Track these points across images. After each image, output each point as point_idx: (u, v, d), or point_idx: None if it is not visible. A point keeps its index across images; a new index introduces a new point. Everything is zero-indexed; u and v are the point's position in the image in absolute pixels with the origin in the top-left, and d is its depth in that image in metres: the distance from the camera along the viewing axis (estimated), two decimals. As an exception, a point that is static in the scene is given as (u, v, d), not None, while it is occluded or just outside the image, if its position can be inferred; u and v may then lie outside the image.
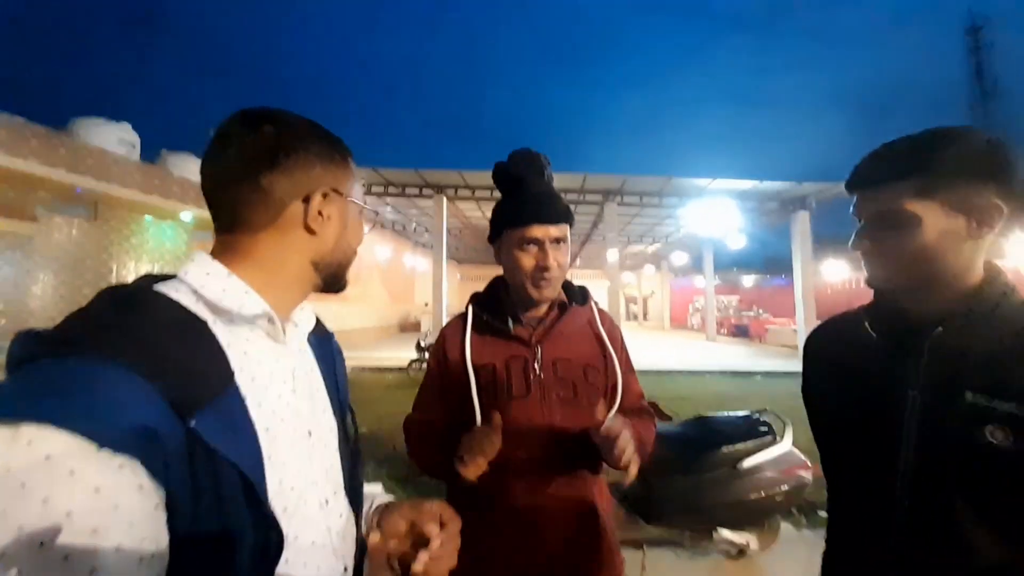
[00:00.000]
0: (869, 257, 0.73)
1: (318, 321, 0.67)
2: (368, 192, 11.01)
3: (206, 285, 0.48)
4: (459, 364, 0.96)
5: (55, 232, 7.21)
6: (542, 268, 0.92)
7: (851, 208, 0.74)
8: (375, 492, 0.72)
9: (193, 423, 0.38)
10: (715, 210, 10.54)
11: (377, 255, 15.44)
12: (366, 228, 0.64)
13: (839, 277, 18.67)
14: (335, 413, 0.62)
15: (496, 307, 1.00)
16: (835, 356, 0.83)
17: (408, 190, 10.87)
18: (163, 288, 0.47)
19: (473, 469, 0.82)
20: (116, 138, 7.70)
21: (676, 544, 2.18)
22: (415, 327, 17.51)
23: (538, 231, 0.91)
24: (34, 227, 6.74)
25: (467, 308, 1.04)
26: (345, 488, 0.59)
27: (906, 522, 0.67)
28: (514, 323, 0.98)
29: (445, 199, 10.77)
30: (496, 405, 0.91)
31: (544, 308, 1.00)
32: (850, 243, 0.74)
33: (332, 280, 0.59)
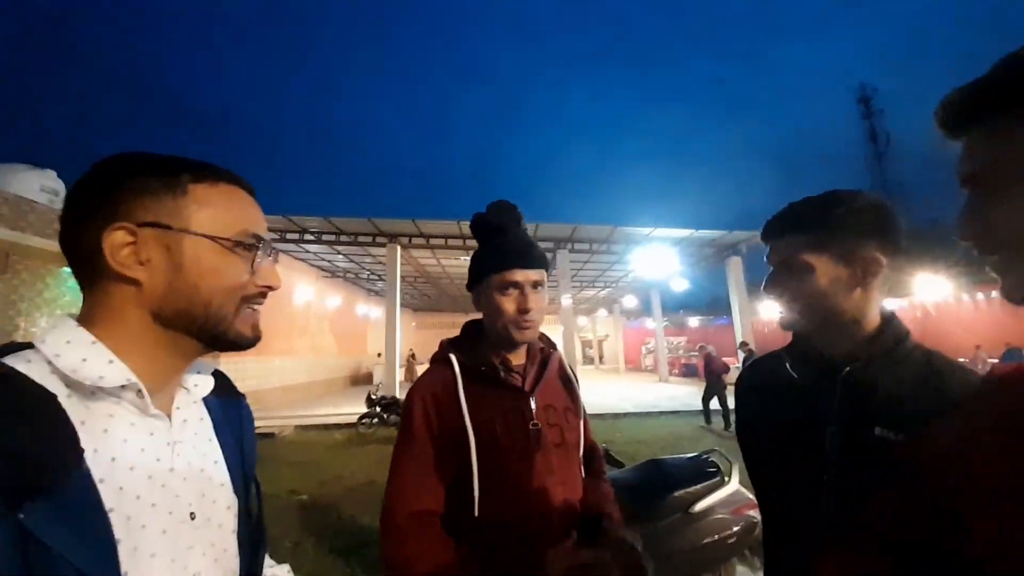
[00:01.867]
0: (776, 300, 0.82)
1: (224, 383, 0.61)
2: (318, 241, 10.78)
3: (62, 355, 0.43)
4: (455, 422, 0.88)
5: (-47, 286, 6.42)
6: (523, 311, 0.93)
7: (765, 256, 0.84)
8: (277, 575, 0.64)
9: (23, 516, 0.34)
10: (658, 256, 11.16)
11: (327, 304, 14.88)
12: (271, 263, 0.53)
13: (774, 315, 20.01)
14: (236, 489, 0.55)
15: (481, 354, 0.96)
16: (762, 396, 0.89)
17: (361, 238, 10.74)
18: (12, 360, 0.42)
19: None
20: (38, 185, 7.16)
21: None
22: (367, 379, 16.67)
23: (519, 275, 0.93)
24: (-73, 281, 5.97)
25: (448, 356, 0.96)
26: (242, 574, 0.53)
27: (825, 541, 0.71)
28: (504, 371, 0.95)
29: (399, 247, 10.71)
30: (495, 463, 0.87)
31: (523, 354, 1.00)
32: (763, 287, 0.84)
33: (204, 335, 0.50)
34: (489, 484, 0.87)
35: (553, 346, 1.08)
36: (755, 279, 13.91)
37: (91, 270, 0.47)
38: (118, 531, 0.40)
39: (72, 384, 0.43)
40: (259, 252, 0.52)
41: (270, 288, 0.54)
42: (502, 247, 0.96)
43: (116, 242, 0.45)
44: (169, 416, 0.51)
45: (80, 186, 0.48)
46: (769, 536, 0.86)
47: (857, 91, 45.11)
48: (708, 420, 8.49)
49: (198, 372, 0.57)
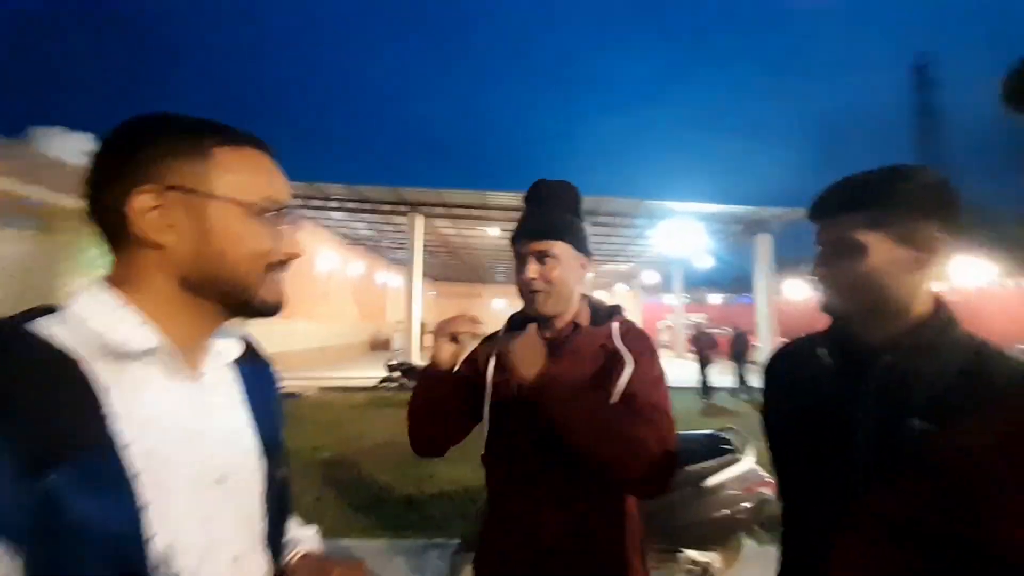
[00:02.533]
0: (824, 282, 0.77)
1: (253, 348, 0.62)
2: (342, 208, 10.86)
3: (93, 317, 0.43)
4: (482, 372, 1.00)
5: (3, 245, 6.78)
6: (523, 281, 0.94)
7: (814, 236, 0.79)
8: (304, 537, 0.65)
9: (48, 481, 0.34)
10: (683, 231, 10.87)
11: (348, 271, 15.15)
12: (294, 231, 0.53)
13: (799, 296, 19.48)
14: (263, 454, 0.55)
15: (521, 326, 0.99)
16: (792, 380, 0.85)
17: (383, 207, 10.77)
18: (40, 324, 0.42)
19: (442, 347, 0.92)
20: (77, 149, 7.37)
21: (643, 566, 2.17)
22: (386, 345, 17.13)
23: (521, 247, 0.96)
24: (-23, 239, 6.31)
25: (503, 326, 1.08)
26: (267, 540, 0.54)
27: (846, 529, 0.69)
28: None
29: (421, 218, 10.71)
30: (503, 420, 0.95)
31: (561, 329, 0.99)
32: (812, 268, 0.78)
33: (230, 301, 0.50)
34: (495, 435, 0.95)
35: (606, 319, 1.00)
36: (784, 258, 13.47)
37: (117, 233, 0.46)
38: (147, 494, 0.40)
39: (103, 346, 0.43)
40: (284, 219, 0.52)
41: (293, 256, 0.53)
42: (517, 223, 1.00)
43: (142, 205, 0.44)
44: (199, 380, 0.51)
45: (105, 147, 0.47)
46: (789, 524, 0.83)
47: (914, 59, 41.77)
48: (705, 393, 8.92)
49: (227, 337, 0.57)
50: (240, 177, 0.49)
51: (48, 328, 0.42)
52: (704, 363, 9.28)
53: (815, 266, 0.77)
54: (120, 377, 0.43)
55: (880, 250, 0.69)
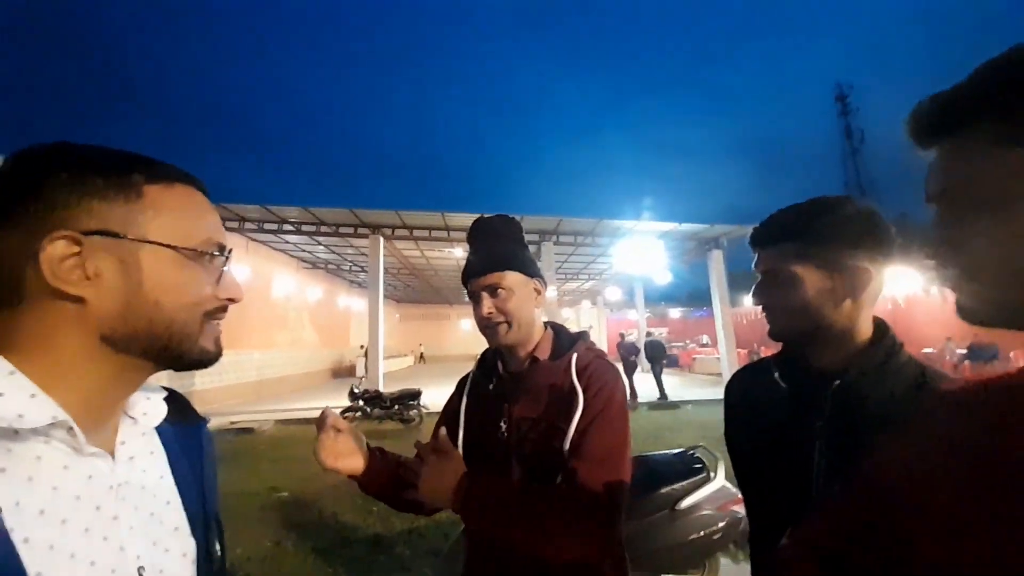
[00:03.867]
0: (764, 310, 0.80)
1: (180, 406, 0.55)
2: (298, 231, 10.51)
3: None
4: (455, 412, 1.02)
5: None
6: (481, 318, 0.95)
7: (752, 264, 0.82)
8: None
9: None
10: (641, 249, 11.26)
11: (307, 296, 14.58)
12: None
13: (752, 308, 20.53)
14: (194, 530, 0.49)
15: (489, 363, 1.04)
16: (750, 405, 0.88)
17: (342, 229, 10.51)
18: None
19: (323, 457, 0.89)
20: None
21: (622, 594, 2.13)
22: (350, 371, 16.46)
23: (472, 285, 0.97)
24: None
25: (475, 361, 1.10)
26: None
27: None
28: (496, 380, 1.00)
29: (382, 239, 10.53)
30: (474, 458, 0.91)
31: (522, 361, 0.97)
32: (750, 295, 0.82)
33: (164, 355, 0.44)
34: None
35: (566, 350, 0.97)
36: (735, 271, 14.26)
37: (14, 285, 0.39)
38: None
39: None
40: (222, 262, 0.48)
41: (233, 301, 0.49)
42: (464, 265, 1.01)
43: (57, 254, 0.38)
44: (112, 452, 0.44)
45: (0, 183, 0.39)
46: (756, 546, 0.85)
47: (834, 89, 46.20)
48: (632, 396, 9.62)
49: (147, 396, 0.50)
50: (175, 218, 0.44)
51: None
52: (629, 371, 10.32)
53: (754, 293, 0.81)
54: (12, 459, 0.36)
55: (811, 280, 0.72)
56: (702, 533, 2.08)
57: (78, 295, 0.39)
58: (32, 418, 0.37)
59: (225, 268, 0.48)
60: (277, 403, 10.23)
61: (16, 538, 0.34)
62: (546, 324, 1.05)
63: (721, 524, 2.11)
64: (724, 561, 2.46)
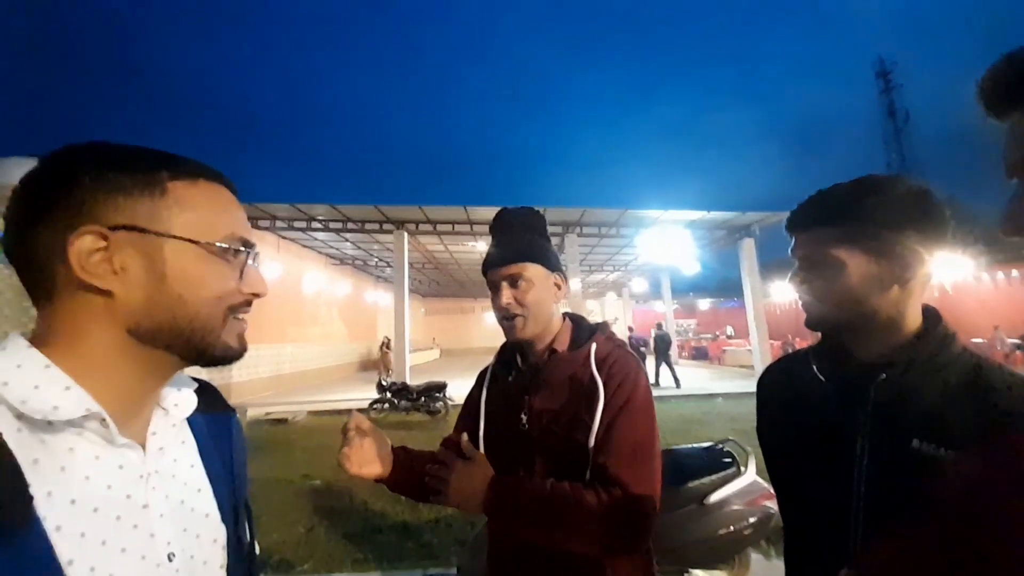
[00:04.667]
0: (802, 297, 0.75)
1: (211, 396, 0.56)
2: (326, 228, 10.78)
3: (10, 382, 0.37)
4: (475, 408, 1.02)
5: (-33, 279, 6.53)
6: (499, 308, 0.94)
7: (789, 249, 0.77)
8: None
9: None
10: (668, 239, 11.01)
11: (336, 291, 14.97)
12: (264, 269, 0.48)
13: (786, 298, 19.81)
14: (225, 518, 0.50)
15: (508, 356, 1.04)
16: (786, 399, 0.82)
17: (368, 225, 10.72)
18: None
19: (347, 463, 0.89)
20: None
21: (649, 588, 2.11)
22: (377, 365, 16.85)
23: (493, 275, 0.96)
24: (-58, 274, 6.06)
25: (495, 355, 1.09)
26: None
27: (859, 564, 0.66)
28: (515, 372, 1.00)
29: (406, 234, 10.68)
30: (494, 451, 0.93)
31: (541, 354, 0.97)
32: (788, 280, 0.77)
33: (188, 350, 0.45)
34: (492, 465, 0.92)
35: (584, 341, 0.95)
36: (768, 261, 13.78)
37: (48, 280, 0.41)
38: None
39: (23, 416, 0.37)
40: (246, 257, 0.48)
41: (257, 296, 0.49)
42: (486, 254, 1.00)
43: (85, 248, 0.39)
44: (143, 443, 0.45)
45: (33, 181, 0.41)
46: (791, 547, 0.81)
47: (876, 65, 43.62)
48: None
49: (179, 388, 0.51)
50: (199, 214, 0.44)
51: None
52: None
53: (792, 279, 0.76)
54: (45, 450, 0.37)
55: (855, 265, 0.67)
56: (732, 528, 2.02)
57: (106, 288, 0.40)
58: (66, 410, 0.38)
59: (249, 263, 0.49)
60: (309, 395, 10.59)
61: (48, 526, 0.35)
62: (565, 315, 1.03)
63: (752, 520, 2.05)
64: (755, 557, 2.39)
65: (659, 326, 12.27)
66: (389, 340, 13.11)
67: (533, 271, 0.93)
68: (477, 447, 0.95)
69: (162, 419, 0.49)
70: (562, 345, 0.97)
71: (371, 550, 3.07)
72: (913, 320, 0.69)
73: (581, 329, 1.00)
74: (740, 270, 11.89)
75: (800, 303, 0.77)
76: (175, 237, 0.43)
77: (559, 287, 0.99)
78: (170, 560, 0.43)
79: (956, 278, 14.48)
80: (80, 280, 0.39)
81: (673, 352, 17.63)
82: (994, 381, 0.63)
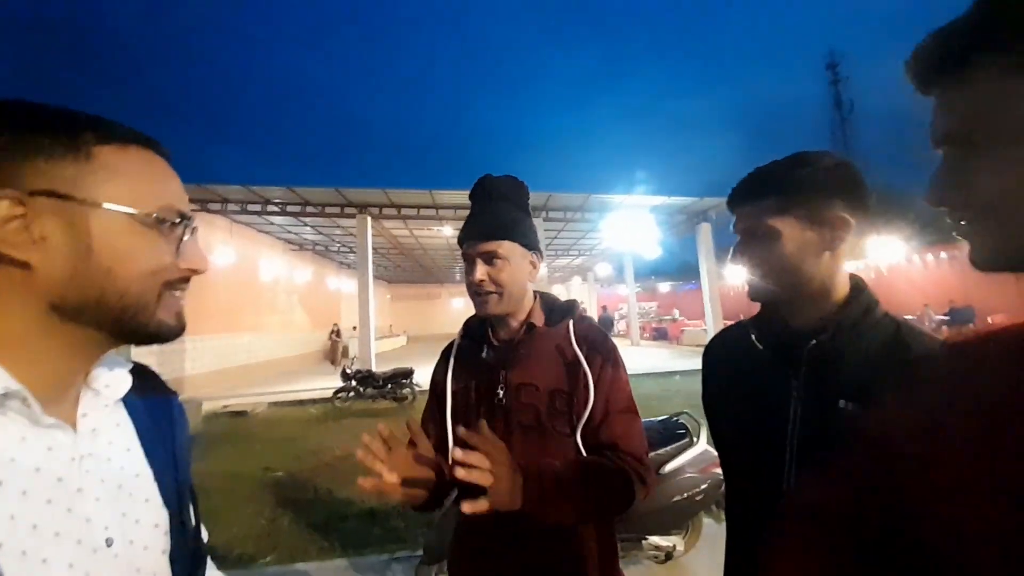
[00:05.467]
0: (746, 269, 0.80)
1: (147, 380, 0.54)
2: (283, 212, 10.30)
3: None
4: (441, 387, 1.00)
5: None
6: (471, 284, 0.93)
7: (731, 225, 0.81)
8: None
9: None
10: (631, 223, 11.25)
11: (296, 278, 14.42)
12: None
13: (739, 280, 20.81)
14: (167, 502, 0.49)
15: (477, 330, 1.02)
16: (728, 366, 0.88)
17: (329, 209, 10.32)
18: None
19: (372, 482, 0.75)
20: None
21: (609, 556, 2.21)
22: (344, 352, 16.48)
23: (469, 249, 0.95)
24: None
25: (459, 331, 1.06)
26: None
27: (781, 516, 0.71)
28: (488, 347, 0.99)
29: (369, 219, 10.37)
30: (469, 426, 0.89)
31: (516, 329, 0.98)
32: (729, 256, 0.81)
33: (118, 327, 0.42)
34: (458, 445, 0.87)
35: (560, 319, 0.99)
36: (724, 245, 14.39)
37: None
38: (10, 570, 0.34)
39: None
40: (183, 230, 0.46)
41: (196, 272, 0.47)
42: (464, 223, 0.98)
43: (0, 215, 0.36)
44: (74, 425, 0.43)
45: None
46: (732, 507, 0.86)
47: (826, 57, 45.66)
48: None
49: (110, 368, 0.49)
50: (130, 182, 0.42)
51: None
52: None
53: (733, 253, 0.80)
54: None
55: (791, 233, 0.72)
56: (685, 495, 2.15)
57: (23, 260, 0.37)
58: None
59: (187, 237, 0.46)
60: (269, 386, 10.23)
61: None
62: (535, 293, 1.04)
63: (703, 486, 2.18)
64: (707, 522, 2.55)
65: (604, 308, 13.64)
66: (338, 328, 12.72)
67: (509, 249, 0.93)
68: (444, 425, 0.95)
69: (92, 400, 0.46)
70: (539, 321, 0.99)
71: (337, 538, 3.04)
72: (841, 288, 0.75)
73: (554, 306, 1.03)
74: (698, 254, 12.36)
75: (746, 279, 0.81)
76: (101, 206, 0.40)
77: (534, 266, 0.99)
78: (108, 545, 0.41)
79: (890, 260, 15.66)
80: None
81: (636, 333, 18.38)
82: (911, 340, 0.69)
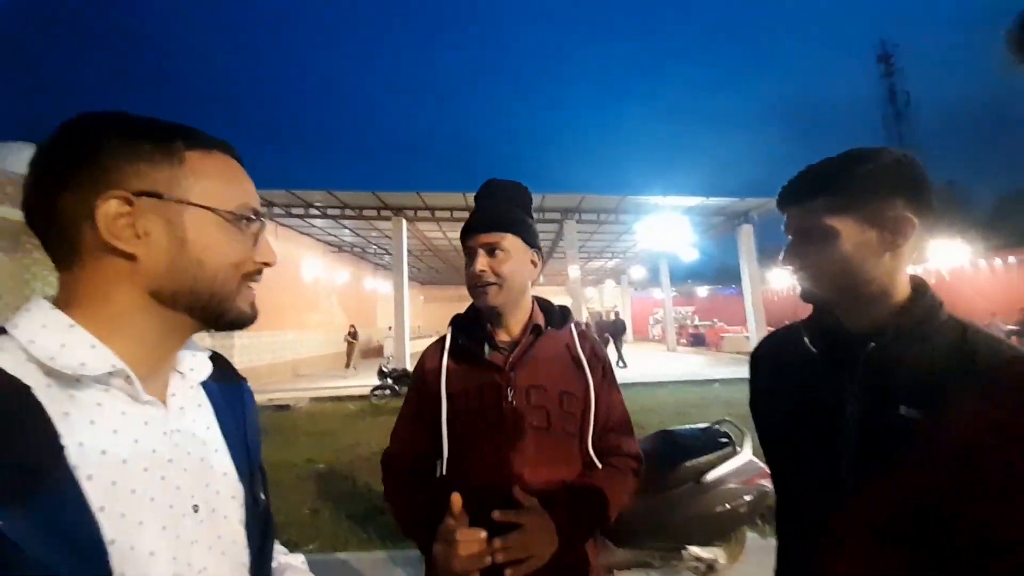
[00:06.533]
0: (798, 271, 0.76)
1: (223, 366, 0.58)
2: (324, 215, 10.72)
3: (37, 341, 0.39)
4: (434, 390, 0.95)
5: (-34, 267, 6.50)
6: (472, 275, 0.93)
7: (782, 225, 0.78)
8: (291, 565, 0.62)
9: (3, 523, 0.31)
10: (667, 225, 10.99)
11: (335, 278, 14.95)
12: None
13: (785, 285, 19.86)
14: (241, 477, 0.53)
15: (473, 330, 0.99)
16: (778, 371, 0.85)
17: (366, 212, 10.67)
18: None
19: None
20: (39, 163, 7.11)
21: (647, 565, 2.16)
22: (378, 352, 16.93)
23: (470, 240, 0.95)
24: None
25: (447, 330, 1.03)
26: (251, 567, 0.51)
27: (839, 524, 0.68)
28: (490, 348, 0.96)
29: (404, 221, 10.63)
30: (464, 432, 0.91)
31: (518, 331, 0.98)
32: (780, 257, 0.78)
33: (205, 313, 0.47)
34: (456, 450, 0.92)
35: (563, 322, 1.02)
36: (766, 247, 13.80)
37: (71, 244, 0.42)
38: (111, 530, 0.37)
39: (52, 373, 0.39)
40: (258, 227, 0.50)
41: (267, 264, 0.51)
42: (467, 219, 0.99)
43: (111, 212, 0.41)
44: (164, 403, 0.48)
45: (55, 149, 0.42)
46: (782, 516, 0.83)
47: (877, 48, 43.08)
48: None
49: (193, 354, 0.54)
50: (214, 183, 0.46)
51: None
52: (604, 344, 12.59)
53: (785, 255, 0.77)
54: (75, 404, 0.39)
55: (848, 233, 0.68)
56: (728, 506, 2.07)
57: (130, 252, 0.42)
58: (93, 366, 0.40)
59: (260, 233, 0.51)
60: (311, 381, 10.65)
61: (80, 475, 0.37)
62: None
63: (747, 498, 2.10)
64: (751, 536, 2.45)
65: (616, 314, 14.41)
66: (355, 330, 12.93)
67: (511, 242, 0.94)
68: (440, 428, 0.93)
69: (179, 382, 0.51)
70: (541, 322, 1.00)
71: (375, 531, 3.12)
72: (902, 290, 0.71)
73: (553, 310, 1.05)
74: (738, 257, 11.91)
75: (796, 279, 0.78)
76: (194, 204, 0.44)
77: (535, 264, 1.00)
78: (195, 511, 0.45)
79: (953, 265, 14.52)
80: (105, 243, 0.41)
81: (672, 339, 17.93)
82: (978, 345, 0.65)
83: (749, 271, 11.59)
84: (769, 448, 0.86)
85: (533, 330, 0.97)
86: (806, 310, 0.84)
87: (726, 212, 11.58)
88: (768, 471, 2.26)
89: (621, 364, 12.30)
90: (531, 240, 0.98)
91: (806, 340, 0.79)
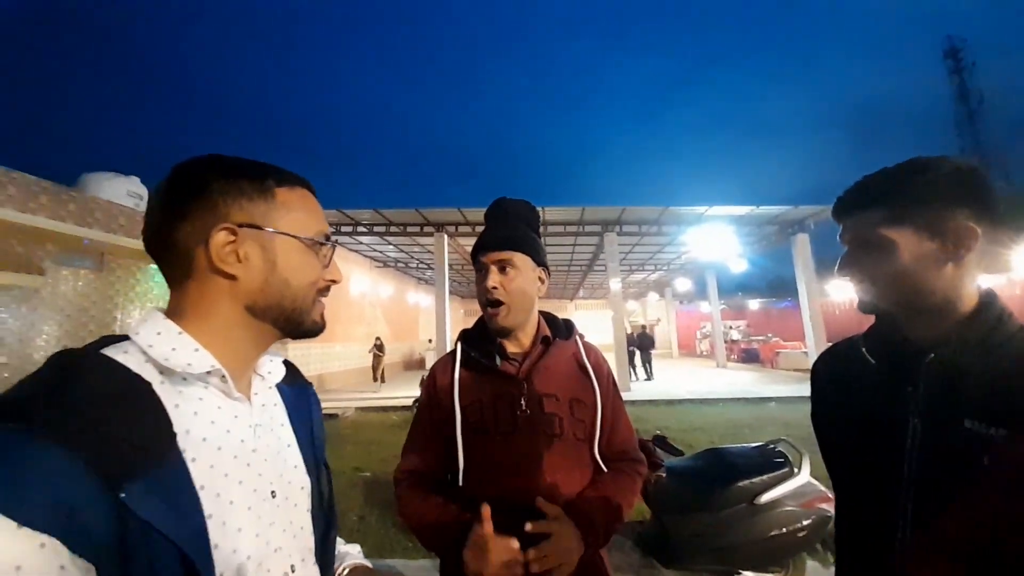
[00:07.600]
0: (854, 282, 0.75)
1: (293, 371, 0.66)
2: (370, 232, 11.21)
3: (155, 345, 0.47)
4: (447, 402, 0.98)
5: (61, 284, 7.30)
6: (484, 291, 0.97)
7: (838, 236, 0.77)
8: (349, 552, 0.69)
9: (123, 495, 0.37)
10: (714, 236, 10.61)
11: (380, 293, 15.51)
12: (340, 262, 0.60)
13: (846, 297, 18.49)
14: (309, 471, 0.59)
15: (483, 343, 1.03)
16: (838, 383, 0.83)
17: (409, 228, 11.05)
18: (111, 351, 0.46)
19: None
20: (125, 191, 7.92)
21: (697, 589, 2.05)
22: (420, 364, 17.30)
23: (483, 256, 0.99)
24: (41, 280, 6.83)
25: (456, 344, 1.07)
26: (316, 553, 0.57)
27: (910, 545, 0.66)
28: (501, 359, 1.00)
29: (446, 236, 10.92)
30: (479, 443, 0.94)
31: (528, 343, 1.02)
32: (835, 269, 0.76)
33: (287, 324, 0.55)
34: (472, 460, 0.94)
35: (568, 334, 1.07)
36: (824, 258, 12.93)
37: (185, 266, 0.50)
38: (208, 506, 0.43)
39: (165, 371, 0.47)
40: (330, 250, 0.59)
41: (335, 282, 0.60)
42: (478, 238, 1.04)
43: (220, 241, 0.50)
44: (249, 400, 0.55)
45: (172, 188, 0.51)
46: (842, 532, 0.80)
47: (944, 44, 40.08)
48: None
49: (271, 359, 0.61)
50: (298, 215, 0.55)
51: (120, 354, 0.46)
52: (631, 356, 12.31)
53: (840, 266, 0.75)
54: (182, 398, 0.47)
55: (907, 244, 0.66)
56: (784, 530, 1.94)
57: (232, 274, 0.51)
58: (196, 366, 0.48)
59: (331, 255, 0.59)
60: (357, 392, 11.03)
61: (187, 457, 0.44)
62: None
63: (806, 522, 1.96)
64: (811, 564, 2.28)
65: (643, 328, 14.44)
66: (381, 342, 13.13)
67: (521, 260, 0.99)
68: (455, 440, 0.94)
69: (260, 383, 0.58)
70: (549, 335, 1.04)
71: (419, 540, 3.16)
72: (968, 300, 0.67)
73: (557, 322, 1.10)
74: (794, 268, 11.26)
75: (854, 289, 0.76)
76: (283, 233, 0.53)
77: (542, 281, 1.05)
78: (273, 496, 0.51)
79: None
80: (213, 266, 0.50)
81: (721, 354, 17.07)
82: None
83: (806, 282, 10.92)
84: (831, 464, 0.84)
85: (543, 341, 1.02)
86: (871, 324, 0.81)
87: (779, 221, 11.03)
88: (829, 496, 2.12)
89: (645, 378, 13.09)
90: (539, 258, 1.03)
91: (864, 350, 0.77)
